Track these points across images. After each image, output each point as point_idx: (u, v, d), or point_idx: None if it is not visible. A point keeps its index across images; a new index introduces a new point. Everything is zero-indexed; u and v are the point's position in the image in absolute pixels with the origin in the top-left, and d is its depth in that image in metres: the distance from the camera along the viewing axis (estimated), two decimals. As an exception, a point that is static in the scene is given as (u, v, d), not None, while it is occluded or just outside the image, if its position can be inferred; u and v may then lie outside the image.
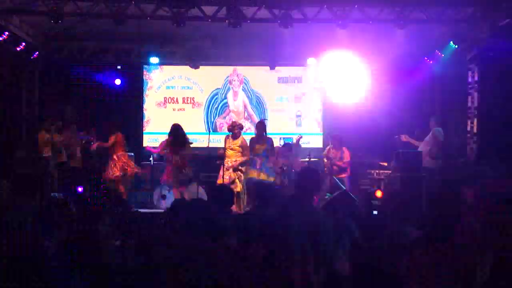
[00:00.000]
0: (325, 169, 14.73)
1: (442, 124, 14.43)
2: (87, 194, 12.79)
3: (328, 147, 15.02)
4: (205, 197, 13.23)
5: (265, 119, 14.79)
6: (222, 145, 13.87)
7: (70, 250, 4.98)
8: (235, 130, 13.21)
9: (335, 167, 14.51)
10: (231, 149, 13.11)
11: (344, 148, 14.67)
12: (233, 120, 16.99)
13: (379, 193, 12.91)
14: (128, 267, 5.20)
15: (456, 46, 14.25)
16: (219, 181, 12.89)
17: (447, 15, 13.38)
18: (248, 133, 15.81)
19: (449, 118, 15.64)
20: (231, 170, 12.99)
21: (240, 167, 13.16)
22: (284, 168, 13.60)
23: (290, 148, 14.73)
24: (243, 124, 17.21)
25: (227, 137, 13.55)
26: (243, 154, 13.17)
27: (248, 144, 13.34)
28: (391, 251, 6.03)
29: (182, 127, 13.81)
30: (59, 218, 6.00)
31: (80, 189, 12.56)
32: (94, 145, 14.37)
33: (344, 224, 6.52)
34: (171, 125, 13.95)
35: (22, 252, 5.30)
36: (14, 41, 14.35)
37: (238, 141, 13.18)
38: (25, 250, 5.33)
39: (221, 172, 13.09)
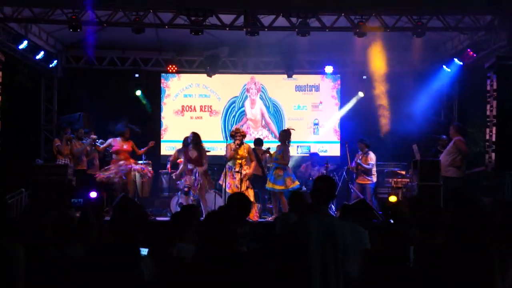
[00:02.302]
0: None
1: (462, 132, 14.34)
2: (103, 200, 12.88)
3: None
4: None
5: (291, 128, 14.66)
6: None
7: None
8: (237, 136, 13.21)
9: (359, 167, 14.57)
10: (241, 157, 13.14)
11: (369, 152, 14.70)
12: (251, 127, 17.13)
13: (393, 199, 12.88)
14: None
15: (475, 55, 14.17)
16: (233, 189, 12.83)
17: (465, 24, 13.37)
18: (266, 141, 15.80)
19: (468, 126, 15.56)
20: (246, 178, 13.07)
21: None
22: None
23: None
24: (261, 132, 17.31)
25: (229, 144, 13.47)
26: (251, 160, 13.27)
27: (283, 153, 13.31)
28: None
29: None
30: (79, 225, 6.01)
31: (93, 194, 12.59)
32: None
33: (358, 231, 6.50)
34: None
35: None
36: (34, 50, 14.46)
37: (245, 149, 13.23)
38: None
39: (229, 180, 13.11)
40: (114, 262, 4.79)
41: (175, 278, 5.17)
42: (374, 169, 14.75)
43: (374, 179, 14.73)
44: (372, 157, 14.66)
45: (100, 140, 14.57)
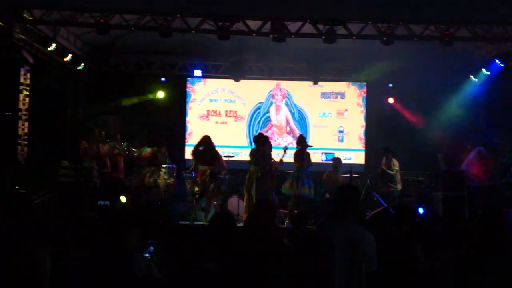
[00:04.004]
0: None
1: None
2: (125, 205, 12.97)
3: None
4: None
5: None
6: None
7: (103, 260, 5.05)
8: (260, 141, 13.23)
9: (385, 175, 14.50)
10: None
11: (393, 158, 14.63)
12: (276, 133, 17.15)
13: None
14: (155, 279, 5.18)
15: (503, 65, 14.07)
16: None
17: (493, 33, 13.26)
18: (290, 147, 15.75)
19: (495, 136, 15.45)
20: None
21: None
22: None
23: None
24: (285, 138, 17.30)
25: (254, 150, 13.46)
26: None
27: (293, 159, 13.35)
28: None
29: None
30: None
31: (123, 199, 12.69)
32: None
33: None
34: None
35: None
36: (62, 52, 14.59)
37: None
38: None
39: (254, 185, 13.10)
40: (106, 262, 4.91)
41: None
42: (398, 176, 14.68)
43: (399, 187, 14.65)
44: (395, 163, 14.60)
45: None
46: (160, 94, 17.71)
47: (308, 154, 13.56)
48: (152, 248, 5.51)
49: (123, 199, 12.29)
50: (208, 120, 17.97)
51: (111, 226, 5.31)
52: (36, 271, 4.67)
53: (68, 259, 5.38)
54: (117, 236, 5.10)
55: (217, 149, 14.02)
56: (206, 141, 13.63)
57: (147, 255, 5.31)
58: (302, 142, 13.71)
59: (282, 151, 13.55)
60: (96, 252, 5.20)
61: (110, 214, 7.59)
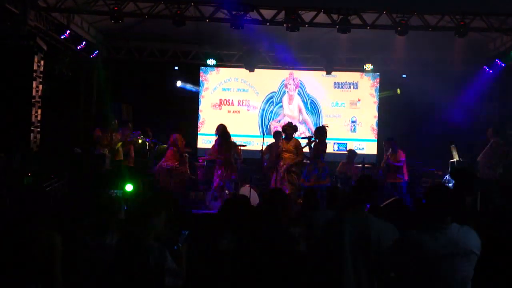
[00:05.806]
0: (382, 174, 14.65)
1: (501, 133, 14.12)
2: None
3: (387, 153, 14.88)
4: (257, 200, 13.23)
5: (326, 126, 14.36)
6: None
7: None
8: (288, 131, 13.14)
9: (391, 167, 14.36)
10: (286, 151, 13.02)
11: (399, 150, 14.47)
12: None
13: None
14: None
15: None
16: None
17: (508, 24, 13.17)
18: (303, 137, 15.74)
19: (509, 128, 15.35)
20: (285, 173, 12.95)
21: (293, 169, 13.05)
22: None
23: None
24: (298, 128, 17.25)
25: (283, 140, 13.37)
26: (297, 155, 13.06)
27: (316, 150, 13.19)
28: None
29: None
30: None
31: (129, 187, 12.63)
32: None
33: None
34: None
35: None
36: (75, 40, 14.59)
37: (292, 143, 13.09)
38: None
39: (274, 177, 13.02)
40: (120, 248, 4.91)
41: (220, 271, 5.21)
42: (405, 167, 14.57)
43: (406, 177, 14.54)
44: (400, 155, 14.48)
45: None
46: (178, 83, 17.71)
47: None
48: (182, 241, 5.47)
49: (129, 187, 12.24)
50: (220, 109, 17.98)
51: (134, 214, 5.28)
52: (49, 254, 4.69)
53: (79, 244, 5.40)
54: (138, 224, 5.06)
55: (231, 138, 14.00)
56: (221, 130, 13.62)
57: (175, 247, 5.25)
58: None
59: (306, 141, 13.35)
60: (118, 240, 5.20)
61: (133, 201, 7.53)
